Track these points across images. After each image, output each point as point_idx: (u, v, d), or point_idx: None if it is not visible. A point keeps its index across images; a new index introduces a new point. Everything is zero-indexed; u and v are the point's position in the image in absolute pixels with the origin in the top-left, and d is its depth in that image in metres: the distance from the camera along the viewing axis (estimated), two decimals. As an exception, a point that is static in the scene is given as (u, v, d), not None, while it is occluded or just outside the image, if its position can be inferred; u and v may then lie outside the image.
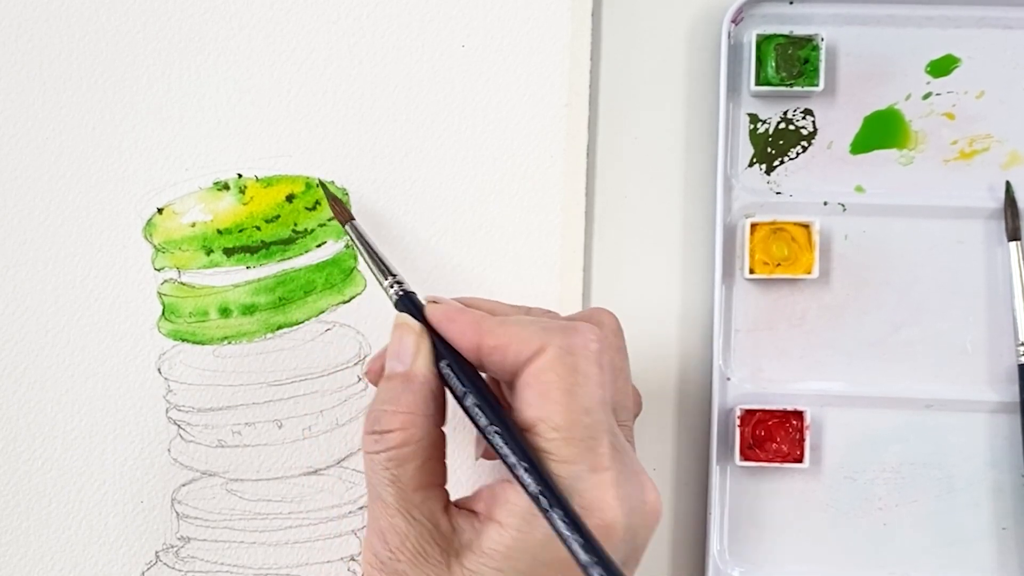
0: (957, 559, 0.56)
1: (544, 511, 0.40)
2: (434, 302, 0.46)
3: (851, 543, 0.56)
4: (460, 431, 0.52)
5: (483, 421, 0.42)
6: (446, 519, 0.43)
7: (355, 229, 0.51)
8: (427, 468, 0.43)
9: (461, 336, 0.44)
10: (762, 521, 0.56)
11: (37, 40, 0.57)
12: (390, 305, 0.56)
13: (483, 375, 0.45)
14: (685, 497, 0.57)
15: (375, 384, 0.47)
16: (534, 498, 0.40)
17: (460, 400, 0.44)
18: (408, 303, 0.47)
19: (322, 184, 0.55)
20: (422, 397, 0.44)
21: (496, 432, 0.42)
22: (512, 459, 0.41)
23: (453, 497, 0.45)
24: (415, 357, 0.44)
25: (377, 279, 0.49)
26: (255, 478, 0.56)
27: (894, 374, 0.56)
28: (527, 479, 0.40)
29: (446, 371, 0.44)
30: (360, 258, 0.49)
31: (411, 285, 0.48)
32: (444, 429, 0.45)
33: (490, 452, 0.46)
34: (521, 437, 0.42)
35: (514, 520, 0.41)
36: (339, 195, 0.56)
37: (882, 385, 0.56)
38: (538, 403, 0.41)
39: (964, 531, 0.56)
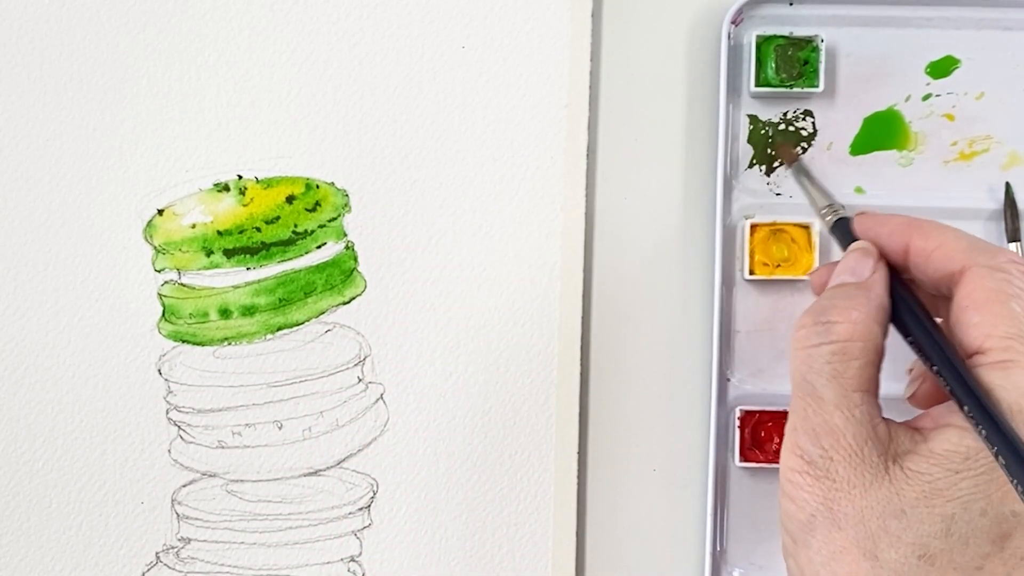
0: (956, 559, 0.56)
1: (994, 455, 0.38)
2: (862, 212, 0.46)
3: (850, 544, 0.56)
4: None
5: (936, 355, 0.41)
6: (883, 425, 0.41)
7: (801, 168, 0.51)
8: (868, 372, 0.42)
9: (890, 236, 0.44)
10: (762, 521, 0.56)
11: (37, 41, 0.57)
12: (390, 305, 0.56)
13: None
14: (685, 497, 0.57)
15: (816, 292, 0.46)
16: (985, 440, 0.38)
17: (905, 324, 0.43)
18: (843, 228, 0.46)
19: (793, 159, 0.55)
20: (876, 305, 0.42)
21: (949, 367, 0.41)
22: (961, 394, 0.40)
23: None
24: (872, 273, 0.43)
25: (813, 206, 0.49)
26: (255, 479, 0.56)
27: (893, 375, 0.56)
28: (972, 408, 0.39)
29: (897, 296, 0.43)
30: (803, 190, 0.50)
31: (846, 212, 0.48)
32: None
33: (922, 399, 0.45)
34: (970, 372, 0.40)
35: (954, 447, 0.40)
36: (339, 195, 0.56)
37: (881, 386, 0.56)
38: (979, 320, 0.40)
39: (963, 531, 0.56)
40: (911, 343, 0.43)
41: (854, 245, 0.45)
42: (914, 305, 0.43)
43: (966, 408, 0.39)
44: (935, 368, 0.41)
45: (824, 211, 0.47)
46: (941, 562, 0.39)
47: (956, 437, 0.40)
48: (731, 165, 0.57)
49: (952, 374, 0.40)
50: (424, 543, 0.56)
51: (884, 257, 0.44)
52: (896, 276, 0.44)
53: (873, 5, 0.56)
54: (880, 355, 0.42)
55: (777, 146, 0.55)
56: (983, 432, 0.38)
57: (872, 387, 0.42)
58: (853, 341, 0.41)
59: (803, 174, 0.50)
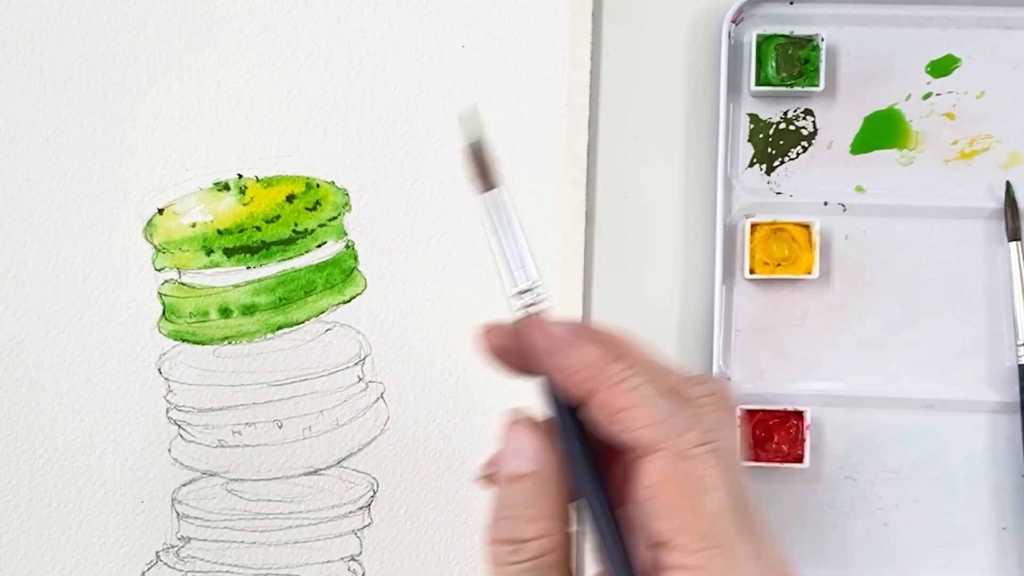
0: (957, 559, 0.56)
1: None
2: (549, 322, 0.39)
3: (851, 543, 0.56)
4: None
5: (600, 535, 0.39)
6: None
7: (496, 201, 0.40)
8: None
9: (574, 375, 0.38)
10: (762, 521, 0.56)
11: (38, 41, 0.57)
12: (390, 305, 0.56)
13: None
14: (685, 497, 0.57)
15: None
16: None
17: (590, 516, 0.39)
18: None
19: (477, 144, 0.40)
20: (557, 499, 0.39)
21: (607, 543, 0.38)
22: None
23: None
24: (540, 453, 0.39)
25: (500, 274, 0.40)
26: (255, 478, 0.56)
27: (894, 374, 0.56)
28: None
29: (578, 480, 0.39)
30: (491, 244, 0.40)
31: (542, 295, 0.39)
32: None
33: None
34: (635, 550, 0.38)
35: None
36: (339, 195, 0.56)
37: (882, 385, 0.56)
38: (664, 515, 0.37)
39: (964, 531, 0.56)
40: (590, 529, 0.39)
41: (515, 417, 0.39)
42: (597, 496, 0.39)
43: None
44: (609, 563, 0.38)
45: (514, 295, 0.39)
46: None
47: None
48: (731, 164, 0.57)
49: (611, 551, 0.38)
50: (424, 543, 0.56)
51: (561, 397, 0.39)
52: (580, 454, 0.39)
53: (873, 4, 0.56)
54: (571, 547, 0.39)
55: (480, 167, 0.40)
56: None
57: None
58: (548, 554, 0.39)
59: (496, 211, 0.40)
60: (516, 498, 0.39)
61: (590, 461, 0.39)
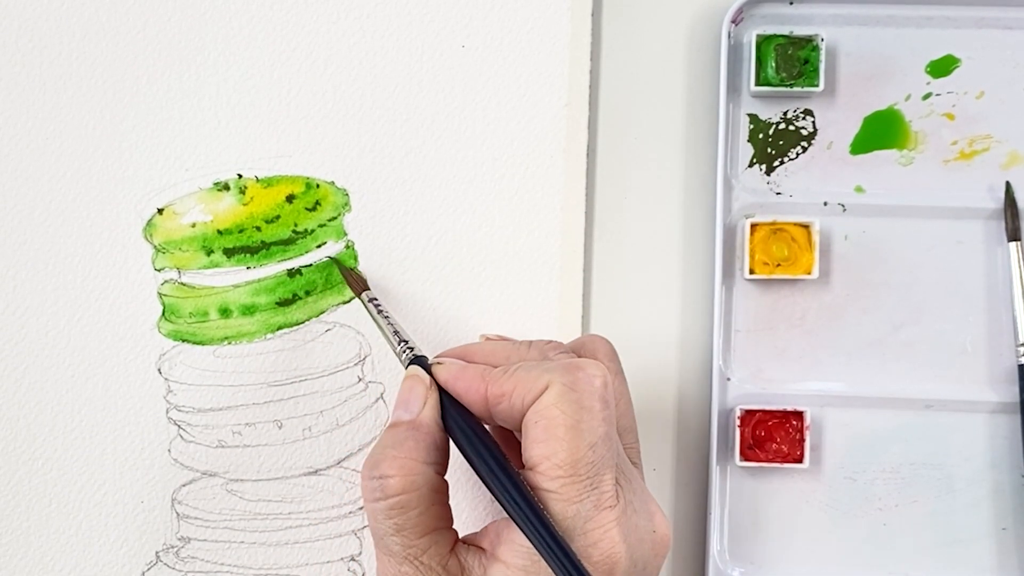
0: (957, 559, 0.56)
1: (543, 554, 0.40)
2: (439, 363, 0.46)
3: (851, 543, 0.56)
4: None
5: (482, 468, 0.43)
6: (455, 559, 0.44)
7: (370, 299, 0.52)
8: (431, 513, 0.43)
9: (468, 390, 0.44)
10: (762, 521, 0.56)
11: (37, 40, 0.57)
12: (390, 304, 0.56)
13: (490, 428, 0.46)
14: (685, 497, 0.57)
15: None
16: (533, 543, 0.41)
17: (463, 450, 0.44)
18: (420, 365, 0.47)
19: (334, 260, 0.56)
20: (425, 445, 0.44)
21: (495, 479, 0.42)
22: (511, 506, 0.42)
23: (463, 533, 0.46)
24: (422, 407, 0.45)
25: (390, 345, 0.50)
26: (255, 478, 0.56)
27: (894, 374, 0.56)
28: (526, 525, 0.41)
29: (451, 423, 0.45)
30: (375, 324, 0.51)
31: (421, 348, 0.49)
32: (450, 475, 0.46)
33: None
34: (523, 481, 0.42)
35: (519, 560, 0.42)
36: (339, 195, 0.56)
37: (882, 385, 0.56)
38: (543, 440, 0.42)
39: (964, 531, 0.56)
40: (468, 461, 0.44)
41: (408, 371, 0.47)
42: (468, 432, 0.44)
43: (525, 533, 0.41)
44: (495, 494, 0.43)
45: (401, 348, 0.49)
46: None
47: (501, 574, 0.43)
48: (731, 164, 0.57)
49: (512, 506, 0.42)
50: (424, 543, 0.56)
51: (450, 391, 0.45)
52: (451, 402, 0.45)
53: (873, 4, 0.56)
54: (441, 491, 0.44)
55: (345, 274, 0.55)
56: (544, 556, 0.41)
57: (439, 524, 0.44)
58: (408, 493, 0.43)
59: (374, 306, 0.52)
60: (389, 439, 0.44)
61: (467, 413, 0.45)
